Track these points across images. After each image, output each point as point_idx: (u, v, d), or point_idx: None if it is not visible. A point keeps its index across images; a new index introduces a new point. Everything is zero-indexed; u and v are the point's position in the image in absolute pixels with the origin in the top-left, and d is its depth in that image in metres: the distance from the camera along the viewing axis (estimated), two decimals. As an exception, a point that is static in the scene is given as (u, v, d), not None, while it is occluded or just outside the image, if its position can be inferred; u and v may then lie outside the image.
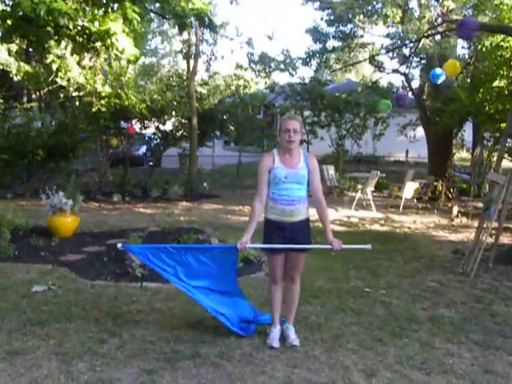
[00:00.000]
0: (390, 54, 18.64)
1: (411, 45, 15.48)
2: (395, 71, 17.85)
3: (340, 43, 19.33)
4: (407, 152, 21.67)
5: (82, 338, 4.27)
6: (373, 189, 12.71)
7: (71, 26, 7.47)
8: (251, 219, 4.22)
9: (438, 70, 9.32)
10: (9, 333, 4.34)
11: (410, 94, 18.09)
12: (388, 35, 18.07)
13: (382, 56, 18.89)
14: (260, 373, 3.74)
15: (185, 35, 15.05)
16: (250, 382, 3.61)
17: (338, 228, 9.68)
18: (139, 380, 3.59)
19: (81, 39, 8.73)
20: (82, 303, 5.09)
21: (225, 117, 16.67)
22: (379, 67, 19.29)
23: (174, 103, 14.08)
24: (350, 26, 18.62)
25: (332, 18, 18.40)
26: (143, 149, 19.35)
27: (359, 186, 12.96)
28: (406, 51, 17.58)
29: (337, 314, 5.01)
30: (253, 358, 3.98)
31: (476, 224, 8.00)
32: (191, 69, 15.02)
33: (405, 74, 17.56)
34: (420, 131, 19.03)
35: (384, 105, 12.23)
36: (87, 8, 8.55)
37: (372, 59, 18.12)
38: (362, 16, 17.37)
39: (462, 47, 17.98)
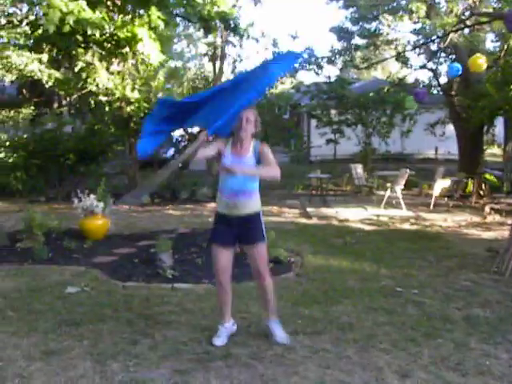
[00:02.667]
0: (417, 50, 18.44)
1: (438, 40, 15.31)
2: (423, 67, 17.65)
3: (365, 41, 19.21)
4: (436, 149, 21.35)
5: (115, 338, 4.32)
6: (402, 187, 12.56)
7: (98, 34, 7.58)
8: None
9: (455, 65, 9.18)
10: (44, 333, 4.42)
11: (438, 89, 17.91)
12: (415, 31, 17.86)
13: (409, 52, 18.69)
14: (292, 373, 3.73)
15: (210, 38, 15.15)
16: (283, 383, 3.60)
17: (368, 227, 9.61)
18: (172, 380, 3.62)
19: (109, 45, 8.87)
20: (114, 304, 5.15)
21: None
22: (406, 64, 19.08)
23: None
24: (374, 23, 18.50)
25: (357, 15, 18.31)
26: (171, 151, 19.48)
27: (388, 185, 12.83)
28: (434, 46, 17.38)
29: (368, 314, 4.96)
30: (285, 358, 3.97)
31: (510, 221, 7.86)
32: (217, 71, 15.11)
33: (432, 70, 17.35)
34: (450, 128, 18.74)
35: (410, 102, 12.10)
36: (115, 15, 8.69)
37: (399, 56, 17.92)
38: (386, 13, 17.25)
39: (491, 41, 17.72)
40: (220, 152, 4.09)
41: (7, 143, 13.35)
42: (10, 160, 12.71)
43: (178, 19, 11.81)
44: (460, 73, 9.28)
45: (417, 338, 4.40)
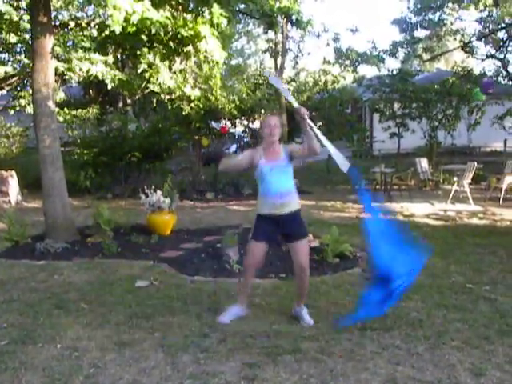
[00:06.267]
0: (483, 40, 17.82)
1: (507, 28, 14.75)
2: (490, 57, 17.04)
3: (428, 32, 18.70)
4: (505, 142, 20.48)
5: (184, 331, 4.40)
6: (469, 181, 12.18)
7: (163, 33, 7.71)
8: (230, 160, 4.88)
9: None
10: (116, 325, 4.56)
11: (506, 79, 17.25)
12: (481, 19, 17.25)
13: (475, 42, 18.09)
14: (362, 369, 3.70)
15: (271, 34, 15.17)
16: (353, 379, 3.57)
17: (435, 222, 9.38)
18: (242, 373, 3.65)
19: (172, 44, 9.01)
20: (183, 298, 5.25)
21: (313, 113, 16.60)
22: (472, 54, 18.45)
23: (263, 102, 14.20)
24: (438, 13, 17.97)
25: (419, 6, 17.85)
26: (233, 147, 19.67)
27: (455, 179, 12.46)
28: (501, 35, 16.76)
29: (438, 311, 4.85)
30: (354, 354, 3.94)
31: None
32: (278, 66, 15.10)
33: (500, 60, 16.72)
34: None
35: (477, 94, 11.69)
36: (177, 14, 8.80)
37: (465, 46, 17.35)
38: (451, 3, 16.76)
39: None
40: (253, 159, 4.44)
41: (78, 141, 13.86)
42: (85, 158, 13.13)
43: (240, 16, 11.83)
44: None
45: (490, 335, 4.27)
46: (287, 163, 4.39)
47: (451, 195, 11.67)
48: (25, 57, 13.26)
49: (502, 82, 17.84)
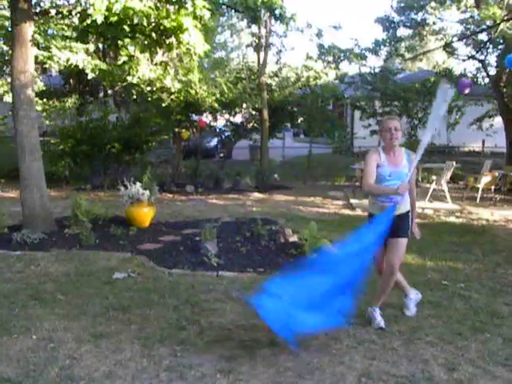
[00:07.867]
0: (465, 41, 17.99)
1: (489, 30, 14.89)
2: (471, 58, 17.20)
3: (411, 31, 18.83)
4: (483, 142, 20.72)
5: (162, 324, 4.40)
6: (448, 180, 12.32)
7: (146, 23, 7.64)
8: (381, 189, 4.34)
9: None
10: (93, 317, 4.54)
11: (486, 81, 17.44)
12: (462, 21, 17.42)
13: (456, 42, 18.26)
14: (338, 363, 3.73)
15: (254, 28, 15.14)
16: (329, 372, 3.60)
17: (412, 220, 9.47)
18: (219, 366, 3.66)
19: (155, 35, 8.94)
20: (160, 291, 5.23)
21: (295, 109, 16.64)
22: (453, 54, 18.63)
23: (245, 96, 14.18)
24: (421, 13, 18.08)
25: (402, 5, 17.95)
26: (214, 141, 19.62)
27: (434, 177, 12.59)
28: (482, 36, 16.93)
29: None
30: (330, 348, 3.97)
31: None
32: (261, 61, 15.07)
33: (481, 61, 16.90)
34: (497, 120, 18.24)
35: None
36: (160, 5, 8.73)
37: (446, 46, 17.50)
38: (433, 3, 16.88)
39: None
40: (378, 163, 4.34)
41: (57, 131, 13.68)
42: (60, 147, 12.96)
43: (223, 8, 11.78)
44: None
45: (463, 331, 4.34)
46: (407, 171, 4.28)
47: (429, 193, 11.79)
48: (4, 44, 13.05)
49: (482, 83, 18.04)
